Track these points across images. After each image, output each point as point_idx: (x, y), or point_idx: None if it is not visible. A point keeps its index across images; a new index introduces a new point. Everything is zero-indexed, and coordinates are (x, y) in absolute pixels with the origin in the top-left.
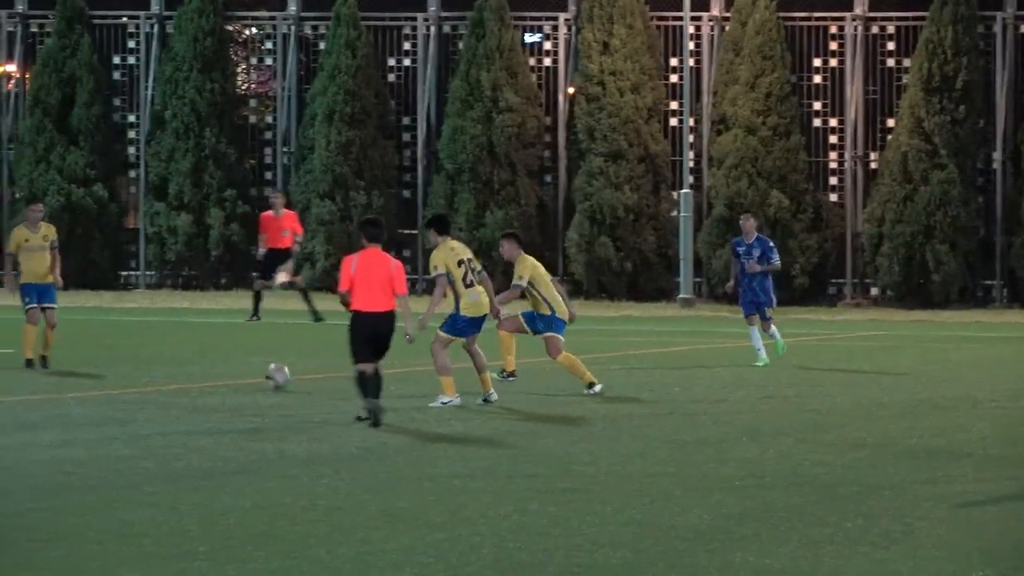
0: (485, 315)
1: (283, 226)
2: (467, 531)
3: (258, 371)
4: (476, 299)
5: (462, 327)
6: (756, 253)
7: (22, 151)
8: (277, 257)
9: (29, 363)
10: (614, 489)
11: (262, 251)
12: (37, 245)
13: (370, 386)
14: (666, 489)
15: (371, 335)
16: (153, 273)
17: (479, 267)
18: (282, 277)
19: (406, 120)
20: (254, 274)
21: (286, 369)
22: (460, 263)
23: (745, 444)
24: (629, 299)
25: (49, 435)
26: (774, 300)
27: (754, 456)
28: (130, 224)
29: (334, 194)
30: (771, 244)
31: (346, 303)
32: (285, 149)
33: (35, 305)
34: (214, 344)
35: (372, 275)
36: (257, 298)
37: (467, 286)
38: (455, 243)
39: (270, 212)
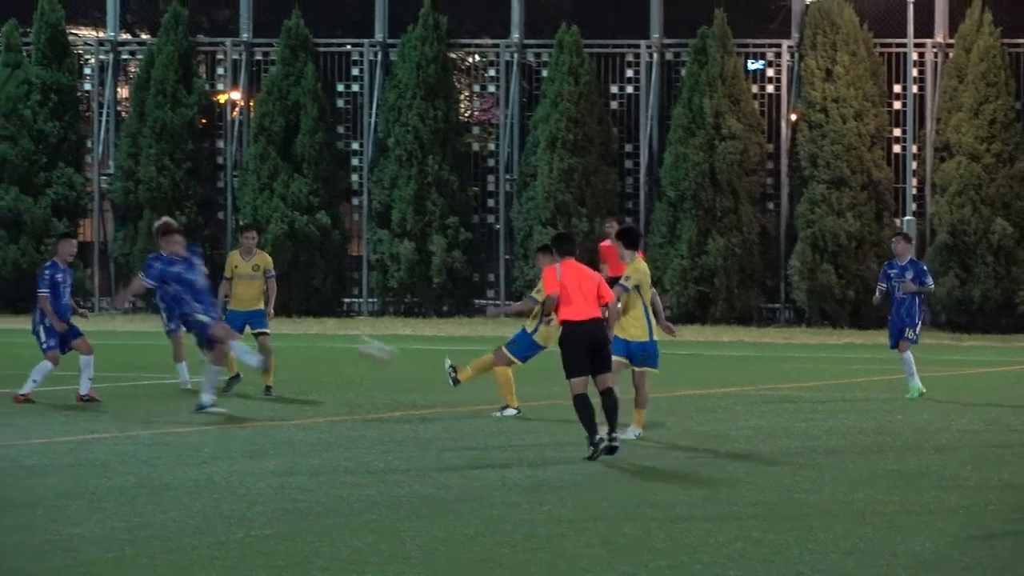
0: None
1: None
2: (688, 559)
3: (480, 399)
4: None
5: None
6: (909, 276)
7: (246, 178)
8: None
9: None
10: (836, 517)
11: None
12: (246, 273)
13: (592, 413)
14: (889, 517)
15: (590, 344)
16: (375, 300)
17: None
18: None
19: (628, 147)
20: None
21: (382, 345)
22: (648, 286)
23: (968, 472)
24: (851, 327)
25: (275, 462)
26: (918, 325)
27: (977, 484)
28: (353, 251)
29: (556, 221)
30: (924, 267)
31: (550, 311)
32: (508, 176)
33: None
34: (436, 371)
35: (581, 284)
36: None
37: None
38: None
39: (608, 241)
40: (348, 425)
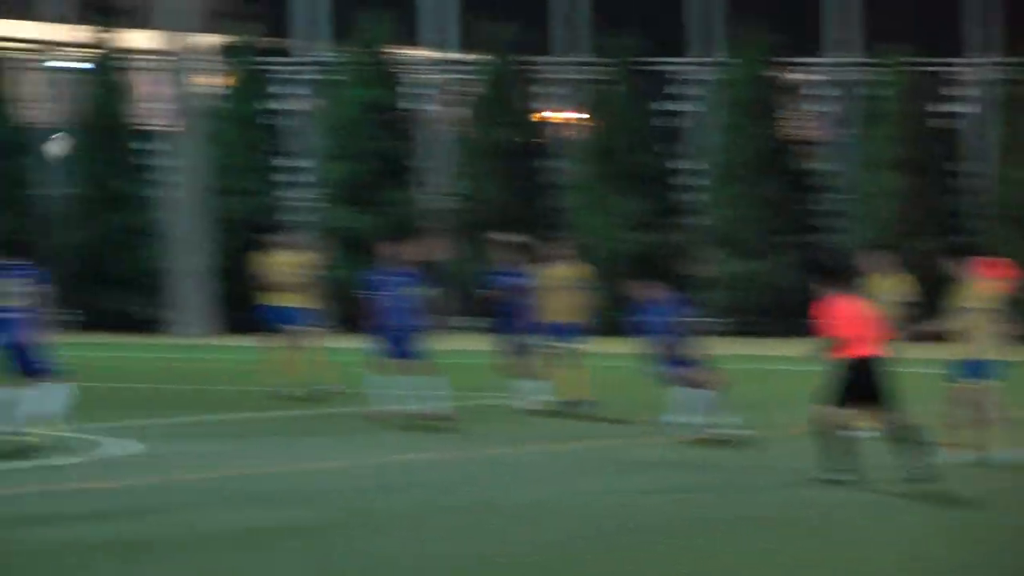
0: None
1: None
2: None
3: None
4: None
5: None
6: None
7: (579, 198)
8: None
9: (568, 404)
10: None
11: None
12: (557, 284)
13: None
14: None
15: (873, 382)
16: (720, 320)
17: None
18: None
19: (960, 167)
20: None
21: None
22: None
23: None
24: None
25: (606, 481)
26: None
27: None
28: (687, 271)
29: (891, 241)
30: None
31: (829, 350)
32: (840, 196)
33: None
34: (775, 393)
35: (869, 317)
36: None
37: None
38: None
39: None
40: (673, 446)
